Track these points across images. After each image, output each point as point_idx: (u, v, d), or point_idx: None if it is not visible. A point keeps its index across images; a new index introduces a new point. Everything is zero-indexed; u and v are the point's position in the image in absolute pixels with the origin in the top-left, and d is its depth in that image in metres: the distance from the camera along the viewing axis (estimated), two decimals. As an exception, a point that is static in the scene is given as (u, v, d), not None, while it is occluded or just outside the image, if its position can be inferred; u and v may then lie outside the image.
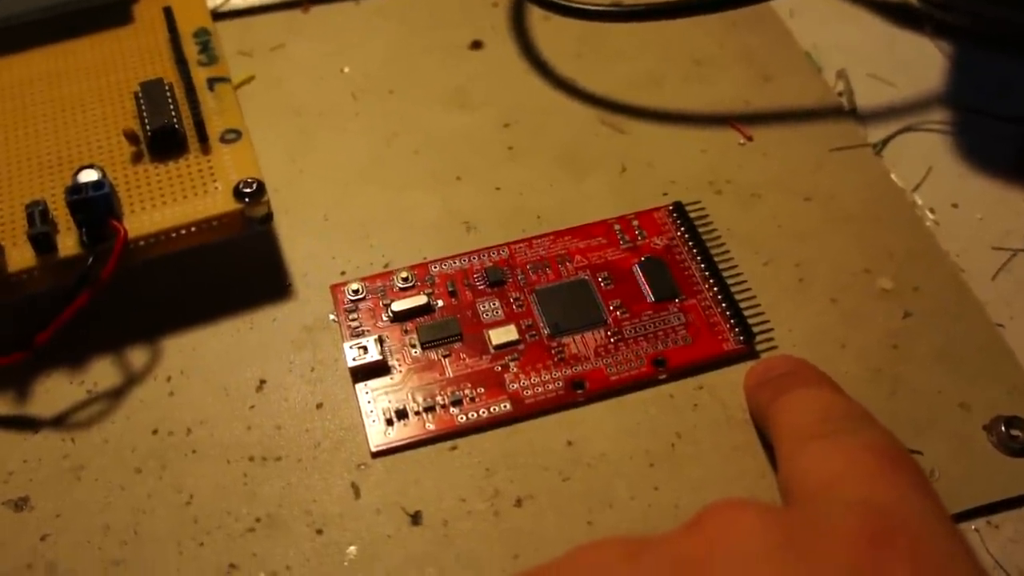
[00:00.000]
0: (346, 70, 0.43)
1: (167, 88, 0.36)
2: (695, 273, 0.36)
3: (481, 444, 0.32)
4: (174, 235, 0.34)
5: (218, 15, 0.44)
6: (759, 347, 0.34)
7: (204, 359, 0.34)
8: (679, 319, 0.35)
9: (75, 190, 0.32)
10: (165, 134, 0.35)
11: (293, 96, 0.42)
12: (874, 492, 0.25)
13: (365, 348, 0.33)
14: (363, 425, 0.33)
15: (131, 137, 0.35)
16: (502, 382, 0.33)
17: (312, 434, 0.33)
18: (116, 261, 0.32)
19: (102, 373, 0.34)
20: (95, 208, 0.32)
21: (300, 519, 0.31)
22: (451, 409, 0.33)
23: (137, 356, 0.34)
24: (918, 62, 0.44)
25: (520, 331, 0.34)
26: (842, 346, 0.35)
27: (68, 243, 0.33)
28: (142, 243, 0.33)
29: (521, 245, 0.37)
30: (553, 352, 0.34)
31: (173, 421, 0.33)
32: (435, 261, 0.36)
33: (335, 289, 0.36)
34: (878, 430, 0.28)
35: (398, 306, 0.35)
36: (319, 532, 0.31)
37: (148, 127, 0.35)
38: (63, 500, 0.31)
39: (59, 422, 0.33)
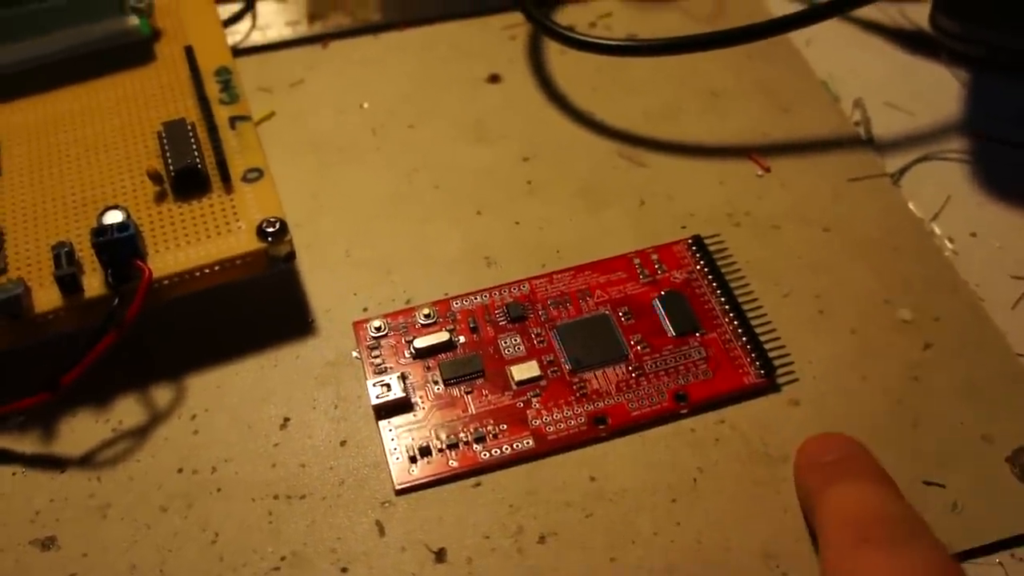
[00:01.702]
0: (365, 105, 0.44)
1: (190, 128, 0.37)
2: (715, 306, 0.36)
3: (504, 481, 0.32)
4: (198, 274, 0.34)
5: (238, 51, 0.45)
6: (780, 380, 0.34)
7: (228, 397, 0.35)
8: (700, 353, 0.35)
9: (100, 232, 0.32)
10: (188, 174, 0.35)
11: (313, 131, 0.43)
12: None
13: (388, 385, 0.33)
14: (387, 462, 0.33)
15: (155, 177, 0.35)
16: (524, 418, 0.33)
17: (336, 472, 0.33)
18: (141, 302, 0.32)
19: (127, 411, 0.34)
20: (120, 250, 0.32)
21: (325, 557, 0.31)
22: (474, 446, 0.33)
23: (162, 394, 0.35)
24: (935, 90, 0.44)
25: (542, 367, 0.34)
26: (863, 378, 0.35)
27: (94, 284, 0.33)
28: (166, 283, 0.34)
29: (542, 280, 0.37)
30: (575, 388, 0.34)
31: (198, 459, 0.33)
32: (456, 297, 0.36)
33: (357, 326, 0.36)
34: (936, 546, 0.27)
35: (420, 343, 0.35)
36: (344, 571, 0.31)
37: (171, 167, 0.35)
38: (89, 539, 0.31)
39: (85, 461, 0.33)
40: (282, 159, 0.41)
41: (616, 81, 0.44)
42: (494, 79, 0.45)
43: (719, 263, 0.37)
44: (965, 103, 0.43)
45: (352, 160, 0.42)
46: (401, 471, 0.32)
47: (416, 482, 0.32)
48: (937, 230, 0.39)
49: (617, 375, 0.34)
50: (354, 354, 0.35)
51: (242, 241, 0.34)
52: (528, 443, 0.33)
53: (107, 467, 0.33)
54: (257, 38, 0.46)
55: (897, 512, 0.29)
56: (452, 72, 0.45)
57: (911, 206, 0.39)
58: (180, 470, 0.33)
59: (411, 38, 0.47)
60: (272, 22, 0.47)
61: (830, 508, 0.29)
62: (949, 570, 0.27)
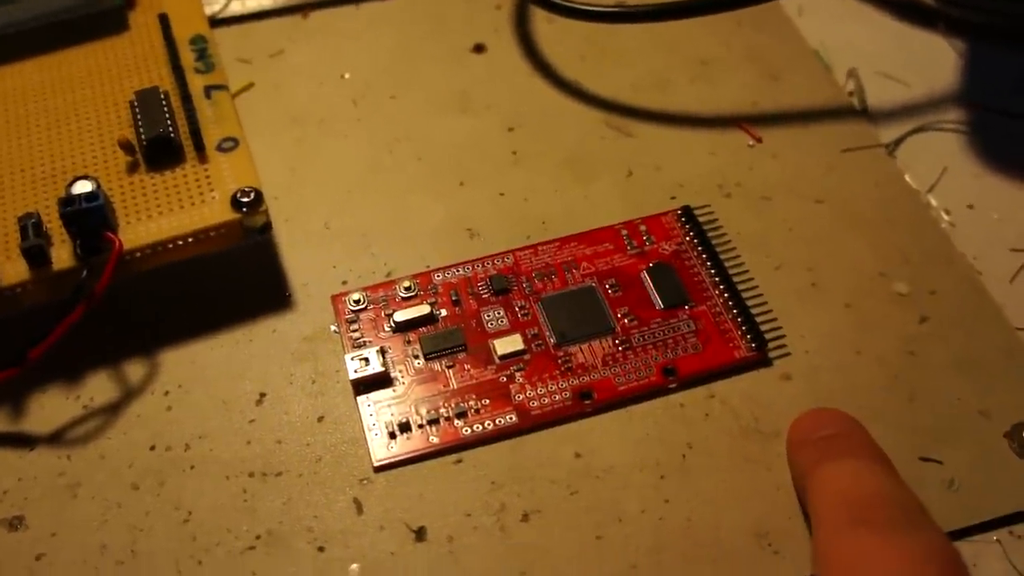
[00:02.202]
0: (347, 76, 0.43)
1: (163, 96, 0.36)
2: (705, 279, 0.35)
3: (486, 457, 0.32)
4: (171, 246, 0.33)
5: (216, 21, 0.44)
6: (771, 354, 0.33)
7: (203, 373, 0.34)
8: (689, 326, 0.34)
9: (68, 202, 0.31)
10: (161, 143, 0.34)
11: (293, 103, 0.42)
12: None
13: (367, 360, 0.32)
14: (365, 439, 0.32)
15: (126, 147, 0.34)
16: (508, 393, 0.32)
17: (313, 448, 0.32)
18: (111, 274, 0.31)
19: (99, 388, 0.33)
20: (89, 220, 0.31)
21: (301, 536, 0.30)
22: (455, 421, 0.32)
23: (134, 370, 0.34)
24: (931, 60, 0.43)
25: (526, 340, 0.33)
26: (857, 352, 0.34)
27: (62, 256, 0.32)
28: (138, 255, 0.33)
29: (526, 252, 0.36)
30: (560, 362, 0.33)
31: (171, 436, 0.32)
32: (438, 270, 0.35)
33: (336, 299, 0.35)
34: (934, 530, 0.27)
35: (400, 316, 0.34)
36: (321, 549, 0.30)
37: (143, 136, 0.34)
38: (59, 518, 0.31)
39: (55, 439, 0.32)
40: (261, 131, 0.40)
41: (604, 50, 0.43)
42: (479, 49, 0.43)
43: (709, 234, 0.36)
44: (961, 73, 0.42)
45: (332, 132, 0.41)
46: (380, 447, 0.31)
47: (395, 459, 0.31)
48: (933, 202, 0.38)
49: (603, 349, 0.33)
50: (332, 328, 0.34)
51: (216, 211, 0.33)
52: (511, 418, 0.32)
53: (77, 445, 0.32)
54: (237, 8, 0.45)
55: (895, 493, 0.28)
56: (436, 42, 0.44)
57: (907, 177, 0.39)
58: (153, 447, 0.32)
59: (394, 8, 0.45)
60: (252, -8, 0.46)
61: (824, 486, 0.28)
62: (948, 556, 0.26)
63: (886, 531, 0.26)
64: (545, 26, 0.44)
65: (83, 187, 0.32)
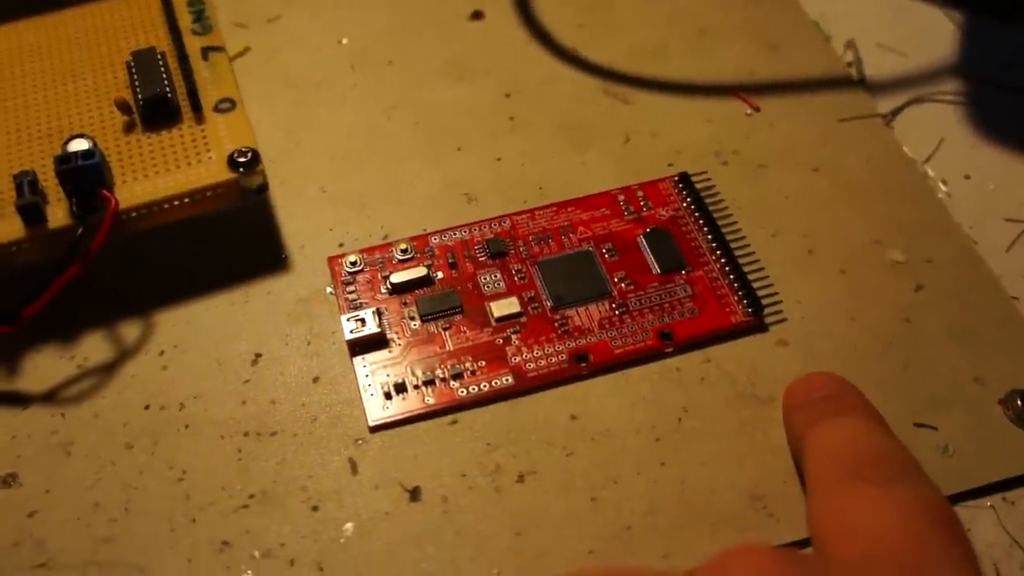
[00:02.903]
0: (344, 41, 0.42)
1: (160, 57, 0.35)
2: (701, 244, 0.35)
3: (482, 418, 0.32)
4: (167, 206, 0.33)
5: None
6: (768, 319, 0.33)
7: (198, 333, 0.34)
8: (685, 291, 0.34)
9: (64, 159, 0.31)
10: (157, 103, 0.34)
11: (290, 68, 0.41)
12: (925, 564, 0.24)
13: (363, 321, 0.32)
14: (361, 399, 0.32)
15: (123, 107, 0.34)
16: (504, 355, 0.32)
17: (308, 409, 0.32)
18: (106, 232, 0.31)
19: (93, 347, 0.33)
20: (85, 178, 0.31)
21: (295, 495, 0.30)
22: (451, 383, 0.32)
23: (130, 330, 0.34)
24: (929, 32, 0.43)
25: (522, 303, 0.33)
26: (852, 319, 0.34)
27: (58, 214, 0.32)
28: (134, 214, 0.32)
29: (523, 216, 0.36)
30: (556, 325, 0.33)
31: (166, 396, 0.32)
32: (435, 233, 0.35)
33: (332, 261, 0.35)
34: (928, 484, 0.27)
35: (397, 278, 0.34)
36: (315, 509, 0.30)
37: (140, 96, 0.34)
38: (52, 476, 0.31)
39: (49, 397, 0.32)
40: (258, 95, 0.40)
41: (602, 19, 0.43)
42: (477, 16, 0.43)
43: (706, 201, 0.36)
44: (959, 44, 0.42)
45: (329, 97, 0.40)
46: (375, 408, 0.31)
47: (391, 419, 0.31)
48: (930, 172, 0.38)
49: (600, 312, 0.33)
50: (328, 290, 0.34)
51: (212, 171, 0.33)
52: (507, 380, 0.32)
53: (71, 404, 0.32)
54: (233, -27, 0.45)
55: (890, 449, 0.28)
56: (434, 8, 0.44)
57: (904, 148, 0.38)
58: (147, 407, 0.32)
59: (392, -26, 0.45)
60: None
61: (819, 444, 0.28)
62: (942, 508, 0.26)
63: (881, 485, 0.26)
64: (543, -7, 0.44)
65: (79, 145, 0.32)
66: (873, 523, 0.25)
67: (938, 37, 0.43)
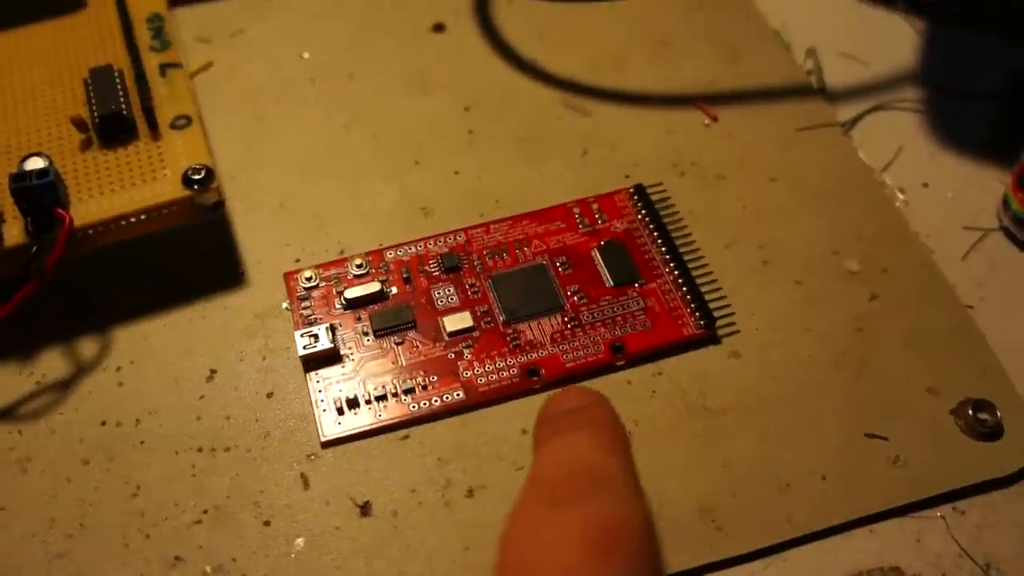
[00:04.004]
0: (306, 55, 0.43)
1: (117, 74, 0.36)
2: (655, 256, 0.35)
3: (433, 433, 0.32)
4: (123, 223, 0.33)
5: (178, 0, 0.43)
6: (720, 331, 0.34)
7: (155, 349, 0.34)
8: (638, 304, 0.34)
9: (18, 178, 0.31)
10: (113, 120, 0.34)
11: (251, 82, 0.42)
12: None
13: (316, 336, 0.33)
14: (314, 415, 0.32)
15: (79, 124, 0.34)
16: (455, 370, 0.32)
17: (262, 424, 0.32)
18: (61, 250, 0.31)
19: (51, 364, 0.33)
20: (39, 196, 0.31)
21: (248, 510, 0.30)
22: (403, 398, 0.32)
23: (87, 347, 0.34)
24: (890, 40, 0.43)
25: (475, 318, 0.33)
26: (807, 329, 0.34)
27: (13, 232, 0.32)
28: (90, 231, 0.33)
29: (478, 230, 0.36)
30: (508, 339, 0.33)
31: (122, 412, 0.32)
32: (390, 247, 0.36)
33: (288, 277, 0.35)
34: (623, 504, 0.25)
35: (351, 293, 0.34)
36: (266, 524, 0.30)
37: (96, 113, 0.34)
38: (8, 493, 0.31)
39: (6, 414, 0.32)
40: (219, 110, 0.40)
41: (564, 30, 0.43)
42: (438, 28, 0.43)
43: (661, 213, 0.36)
44: (920, 53, 0.42)
45: (289, 111, 0.41)
46: (328, 423, 0.32)
47: (343, 434, 0.31)
48: (888, 180, 0.38)
49: (552, 326, 0.33)
50: (284, 305, 0.35)
51: (168, 188, 0.33)
52: (458, 395, 0.32)
53: (28, 420, 0.32)
54: (199, -13, 0.45)
55: (589, 465, 0.26)
56: (396, 21, 0.44)
57: (862, 155, 0.39)
58: (103, 423, 0.32)
59: (356, -13, 0.45)
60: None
61: (537, 462, 0.27)
62: (611, 531, 0.24)
63: (557, 505, 0.24)
64: (506, 6, 0.44)
65: (35, 163, 0.32)
66: (532, 546, 0.24)
67: (899, 45, 0.43)
